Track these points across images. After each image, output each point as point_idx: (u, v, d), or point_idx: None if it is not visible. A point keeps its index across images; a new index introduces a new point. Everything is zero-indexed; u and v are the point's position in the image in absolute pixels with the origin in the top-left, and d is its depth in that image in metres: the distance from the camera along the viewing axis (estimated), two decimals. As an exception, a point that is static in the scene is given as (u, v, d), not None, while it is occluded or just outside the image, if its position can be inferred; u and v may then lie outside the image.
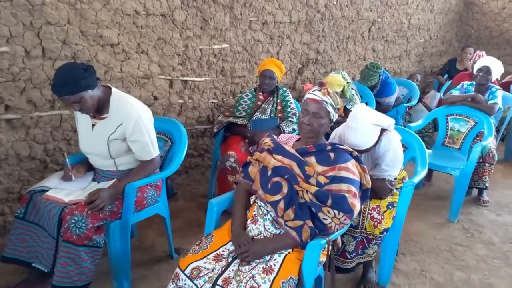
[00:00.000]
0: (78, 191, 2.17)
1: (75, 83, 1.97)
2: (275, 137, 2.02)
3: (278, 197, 1.78)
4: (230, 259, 1.67)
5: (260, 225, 1.78)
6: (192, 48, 3.39)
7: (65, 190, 2.15)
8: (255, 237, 1.77)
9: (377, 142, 2.14)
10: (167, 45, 3.22)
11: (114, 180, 2.19)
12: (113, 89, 2.20)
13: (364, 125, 2.07)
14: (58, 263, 1.94)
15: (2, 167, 2.64)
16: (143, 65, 3.12)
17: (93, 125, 2.20)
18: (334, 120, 1.93)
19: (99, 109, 2.15)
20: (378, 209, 2.13)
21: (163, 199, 2.44)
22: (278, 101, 3.22)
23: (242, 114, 3.22)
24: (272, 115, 3.18)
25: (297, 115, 3.18)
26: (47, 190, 2.14)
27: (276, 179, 1.83)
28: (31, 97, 2.64)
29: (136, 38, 3.04)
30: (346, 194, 1.69)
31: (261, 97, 3.24)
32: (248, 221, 1.83)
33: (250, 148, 2.91)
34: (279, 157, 1.88)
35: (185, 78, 3.42)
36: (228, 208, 2.02)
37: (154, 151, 2.22)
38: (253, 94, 3.27)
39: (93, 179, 2.31)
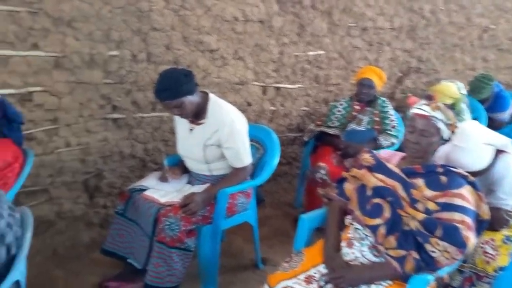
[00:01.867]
0: (174, 192, 2.23)
1: (176, 88, 2.02)
2: (376, 153, 1.87)
3: (378, 221, 1.63)
4: (322, 283, 1.57)
5: (357, 250, 1.65)
6: (287, 54, 3.34)
7: (161, 191, 2.22)
8: (350, 262, 1.64)
9: (491, 165, 1.88)
10: (263, 51, 3.22)
11: (208, 184, 2.22)
12: (211, 95, 2.23)
13: (474, 144, 1.84)
14: (151, 263, 2.00)
15: (107, 163, 2.83)
16: (239, 71, 3.15)
17: (190, 130, 2.25)
18: (445, 138, 1.72)
19: (197, 115, 2.19)
20: (492, 242, 1.87)
21: (252, 207, 2.41)
22: (376, 112, 3.03)
23: (335, 124, 3.09)
24: (368, 126, 3.00)
25: (397, 127, 2.97)
26: (145, 190, 2.23)
27: (376, 200, 1.68)
28: (135, 99, 2.80)
29: (234, 44, 3.07)
30: (459, 225, 1.49)
31: (357, 107, 3.08)
32: (343, 244, 1.70)
33: (344, 162, 2.77)
34: (380, 176, 1.73)
35: (278, 85, 3.39)
36: (320, 225, 1.92)
37: (246, 159, 2.21)
38: (348, 103, 3.13)
39: (188, 182, 2.36)
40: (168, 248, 1.98)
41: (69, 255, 2.56)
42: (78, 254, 2.57)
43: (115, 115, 2.78)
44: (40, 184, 2.63)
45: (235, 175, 2.21)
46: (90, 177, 2.81)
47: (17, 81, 2.43)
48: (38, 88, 2.49)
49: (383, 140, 2.91)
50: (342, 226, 1.80)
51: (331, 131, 3.05)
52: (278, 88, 3.40)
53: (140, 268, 2.13)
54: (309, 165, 3.05)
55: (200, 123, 2.20)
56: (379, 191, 1.68)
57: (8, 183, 1.82)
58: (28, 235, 1.30)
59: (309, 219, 1.88)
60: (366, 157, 1.83)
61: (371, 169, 1.77)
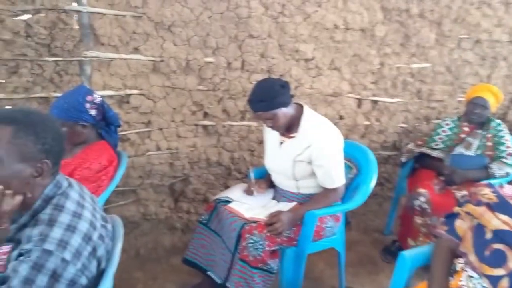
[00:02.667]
0: (259, 208, 2.12)
1: (271, 100, 1.92)
2: (499, 188, 1.58)
3: (500, 271, 1.36)
4: None
5: (471, 304, 1.39)
6: (388, 66, 3.08)
7: (246, 205, 2.13)
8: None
9: None
10: (361, 61, 3.00)
11: (295, 203, 2.08)
12: (305, 108, 2.08)
13: None
14: (232, 281, 1.91)
15: (193, 169, 2.82)
16: (333, 82, 2.97)
17: (281, 143, 2.13)
18: None
19: (289, 128, 2.06)
20: None
21: (340, 232, 2.22)
22: (489, 135, 2.66)
23: (439, 146, 2.76)
24: (478, 151, 2.64)
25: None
26: (230, 202, 2.15)
27: (498, 246, 1.40)
28: (226, 107, 2.76)
29: (331, 54, 2.90)
30: None
31: (466, 129, 2.73)
32: (454, 293, 1.45)
33: (446, 189, 2.46)
34: (504, 217, 1.44)
35: (375, 98, 3.14)
36: (423, 265, 1.67)
37: (339, 179, 2.03)
38: (455, 124, 2.78)
39: (273, 197, 2.24)
40: (251, 267, 1.87)
41: (150, 257, 2.58)
42: (159, 257, 2.59)
43: (205, 122, 2.77)
44: (130, 185, 2.69)
45: (325, 196, 2.04)
46: (176, 182, 2.83)
47: (117, 83, 2.51)
48: (135, 91, 2.55)
49: (496, 168, 2.53)
50: (451, 271, 1.54)
51: (434, 154, 2.73)
52: (375, 102, 3.16)
53: (220, 283, 2.05)
54: (405, 189, 2.77)
55: (292, 137, 2.07)
56: (502, 236, 1.41)
57: (102, 185, 1.84)
58: (118, 249, 1.26)
59: (411, 257, 1.64)
60: (487, 193, 1.55)
61: (492, 207, 1.49)
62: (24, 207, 1.12)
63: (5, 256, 1.19)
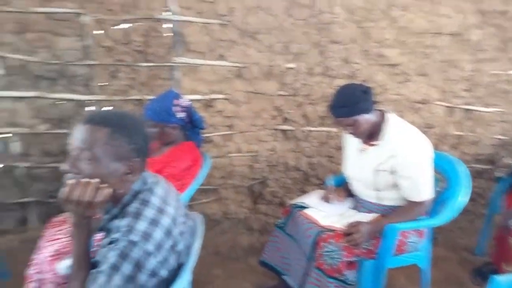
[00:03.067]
0: (336, 216, 2.07)
1: (352, 106, 1.86)
2: None
3: None
4: None
5: None
6: (483, 72, 2.84)
7: (322, 212, 2.09)
8: None
9: None
10: (453, 68, 2.81)
11: (375, 214, 1.99)
12: (389, 114, 1.99)
13: None
14: (306, 288, 1.89)
15: (272, 172, 2.86)
16: (421, 89, 2.81)
17: (361, 150, 2.06)
18: None
19: (372, 135, 1.99)
20: None
21: (425, 249, 2.08)
22: None
23: (544, 161, 2.48)
24: None
25: None
26: (306, 207, 2.13)
27: None
28: (305, 112, 2.75)
29: (419, 59, 2.75)
30: None
31: None
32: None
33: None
34: None
35: (468, 107, 2.91)
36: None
37: (426, 192, 1.90)
38: None
39: (352, 207, 2.17)
40: (326, 276, 1.83)
41: (229, 256, 2.66)
42: (237, 256, 2.65)
43: (285, 127, 2.79)
44: (212, 184, 2.81)
45: (409, 209, 1.93)
46: (255, 184, 2.89)
47: (204, 88, 2.64)
48: (220, 96, 2.66)
49: None
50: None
51: (536, 169, 2.46)
52: (468, 111, 2.93)
53: (294, 288, 2.04)
54: (500, 207, 2.52)
55: (374, 145, 1.99)
56: None
57: (186, 183, 1.94)
58: (197, 245, 1.32)
59: (506, 283, 1.48)
60: None
61: None
62: (115, 200, 1.22)
63: (97, 243, 1.31)
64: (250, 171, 2.85)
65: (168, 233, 1.18)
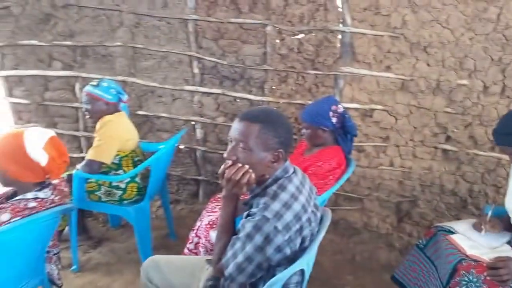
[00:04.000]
0: (485, 248, 1.90)
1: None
2: None
3: None
4: None
5: None
6: None
7: (470, 241, 1.94)
8: None
9: None
10: None
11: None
12: None
13: None
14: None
15: (424, 192, 2.73)
16: None
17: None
18: None
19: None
20: None
21: None
22: None
23: None
24: None
25: None
26: (453, 233, 2.01)
27: None
28: (473, 133, 2.55)
29: None
30: None
31: None
32: None
33: None
34: None
35: None
36: None
37: None
38: None
39: (508, 242, 1.95)
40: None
41: (363, 265, 2.66)
42: (372, 269, 2.64)
43: (447, 146, 2.63)
44: (357, 193, 2.85)
45: None
46: (404, 201, 2.81)
47: (364, 98, 2.70)
48: (379, 107, 2.68)
49: None
50: None
51: None
52: None
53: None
54: None
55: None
56: None
57: (328, 184, 2.07)
58: (322, 234, 1.44)
59: None
60: None
61: None
62: (259, 183, 1.44)
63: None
64: (400, 187, 2.78)
65: (297, 217, 1.34)
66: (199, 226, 2.23)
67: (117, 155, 2.47)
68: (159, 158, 2.52)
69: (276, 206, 1.32)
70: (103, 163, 2.41)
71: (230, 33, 2.88)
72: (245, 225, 1.34)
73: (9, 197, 1.70)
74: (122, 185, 2.48)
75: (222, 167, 1.43)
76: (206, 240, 2.16)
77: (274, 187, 1.39)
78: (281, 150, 1.41)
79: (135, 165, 2.55)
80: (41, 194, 1.62)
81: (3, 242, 1.47)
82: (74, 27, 3.09)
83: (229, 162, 1.41)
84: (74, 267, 2.52)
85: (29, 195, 1.60)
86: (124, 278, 2.49)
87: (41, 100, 3.30)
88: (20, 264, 1.61)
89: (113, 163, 2.47)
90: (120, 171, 2.51)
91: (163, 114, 3.18)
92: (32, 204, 1.58)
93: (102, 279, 2.49)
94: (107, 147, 2.41)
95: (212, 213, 2.28)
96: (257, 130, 1.38)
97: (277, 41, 2.80)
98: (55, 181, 1.71)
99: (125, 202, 2.52)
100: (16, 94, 3.35)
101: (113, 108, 2.51)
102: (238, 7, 2.83)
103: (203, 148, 3.21)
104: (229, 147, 1.43)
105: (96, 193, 2.49)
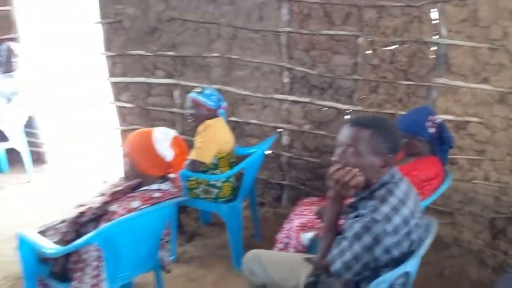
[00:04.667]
0: None
1: None
2: None
3: None
4: None
5: None
6: None
7: None
8: None
9: None
10: None
11: None
12: None
13: None
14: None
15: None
16: None
17: None
18: None
19: None
20: None
21: None
22: None
23: None
24: None
25: None
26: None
27: None
28: None
29: None
30: None
31: None
32: None
33: None
34: None
35: None
36: None
37: None
38: None
39: None
40: None
41: (453, 281, 2.59)
42: (461, 285, 2.56)
43: (549, 162, 2.51)
44: (448, 207, 2.79)
45: None
46: (499, 218, 2.70)
47: (459, 109, 2.66)
48: (474, 119, 2.63)
49: None
50: None
51: None
52: None
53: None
54: None
55: None
56: None
57: (424, 194, 2.08)
58: (428, 240, 1.48)
59: None
60: None
61: None
62: (366, 187, 1.51)
63: (343, 220, 1.63)
64: (495, 203, 2.68)
65: (405, 221, 1.40)
66: (289, 228, 2.35)
67: (215, 156, 2.68)
68: (253, 161, 2.68)
69: (385, 209, 1.39)
70: (203, 163, 2.62)
71: (322, 44, 2.99)
72: (353, 226, 1.42)
73: (134, 188, 1.94)
74: (219, 184, 2.68)
75: (331, 168, 1.52)
76: (296, 241, 2.27)
77: (382, 191, 1.45)
78: (390, 155, 1.48)
79: (230, 166, 2.74)
80: (163, 186, 1.84)
81: (135, 225, 1.69)
82: (176, 39, 3.39)
83: (338, 165, 1.50)
84: (172, 257, 2.76)
85: (154, 186, 1.83)
86: (216, 272, 2.67)
87: (144, 105, 3.65)
88: (144, 247, 1.83)
89: (211, 163, 2.68)
90: (217, 171, 2.71)
91: (253, 121, 3.36)
92: (156, 194, 1.80)
93: (197, 271, 2.69)
94: (207, 148, 2.63)
95: (302, 216, 2.39)
96: (368, 135, 1.46)
97: (369, 52, 2.86)
98: (173, 175, 1.93)
99: (220, 200, 2.70)
100: (123, 98, 3.74)
101: (213, 114, 2.74)
102: (331, 20, 2.93)
103: (288, 154, 3.33)
104: (338, 150, 1.52)
105: (195, 190, 2.70)
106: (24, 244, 1.80)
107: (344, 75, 2.97)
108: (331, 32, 2.94)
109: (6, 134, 3.83)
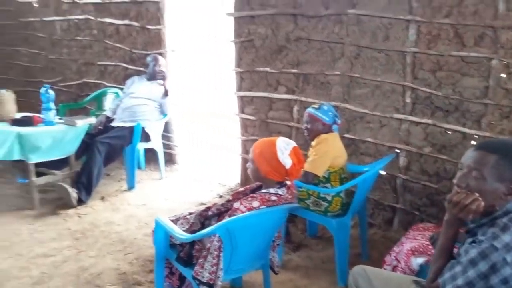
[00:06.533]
0: None
1: None
2: None
3: None
4: None
5: None
6: None
7: None
8: None
9: None
10: None
11: None
12: None
13: None
14: None
15: None
16: None
17: None
18: None
19: None
20: None
21: None
22: None
23: None
24: None
25: None
26: None
27: None
28: None
29: None
30: None
31: None
32: None
33: None
34: None
35: None
36: None
37: None
38: None
39: None
40: None
41: None
42: None
43: None
44: None
45: None
46: None
47: None
48: None
49: None
50: None
51: None
52: None
53: None
54: None
55: None
56: None
57: None
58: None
59: None
60: None
61: None
62: (486, 213, 1.46)
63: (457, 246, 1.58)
64: None
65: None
66: (399, 251, 2.31)
67: (328, 170, 2.76)
68: (366, 179, 2.70)
69: (506, 238, 1.33)
70: (316, 175, 2.72)
71: (450, 65, 2.89)
72: (470, 251, 1.38)
73: (253, 190, 2.14)
74: (329, 198, 2.74)
75: (452, 191, 1.50)
76: (406, 265, 2.23)
77: (504, 219, 1.39)
78: (515, 183, 1.41)
79: (341, 181, 2.79)
80: (280, 191, 2.00)
81: (253, 223, 1.87)
82: (301, 57, 3.58)
83: (458, 188, 1.47)
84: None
85: (272, 190, 2.00)
86: (321, 284, 2.72)
87: (265, 118, 3.91)
88: (259, 244, 2.00)
89: (323, 176, 2.77)
90: (328, 185, 2.78)
91: (369, 139, 3.36)
92: (273, 197, 1.96)
93: (301, 280, 2.78)
94: (321, 162, 2.73)
95: (414, 240, 2.33)
96: (494, 160, 1.42)
97: (503, 75, 2.67)
98: (289, 183, 2.08)
99: (329, 214, 2.77)
100: (246, 111, 4.06)
101: (327, 129, 2.83)
102: (462, 41, 2.82)
103: (404, 177, 3.25)
104: (460, 173, 1.50)
105: (306, 201, 2.81)
106: (159, 228, 2.10)
107: (473, 98, 2.82)
108: (462, 53, 2.82)
109: (150, 135, 4.37)
